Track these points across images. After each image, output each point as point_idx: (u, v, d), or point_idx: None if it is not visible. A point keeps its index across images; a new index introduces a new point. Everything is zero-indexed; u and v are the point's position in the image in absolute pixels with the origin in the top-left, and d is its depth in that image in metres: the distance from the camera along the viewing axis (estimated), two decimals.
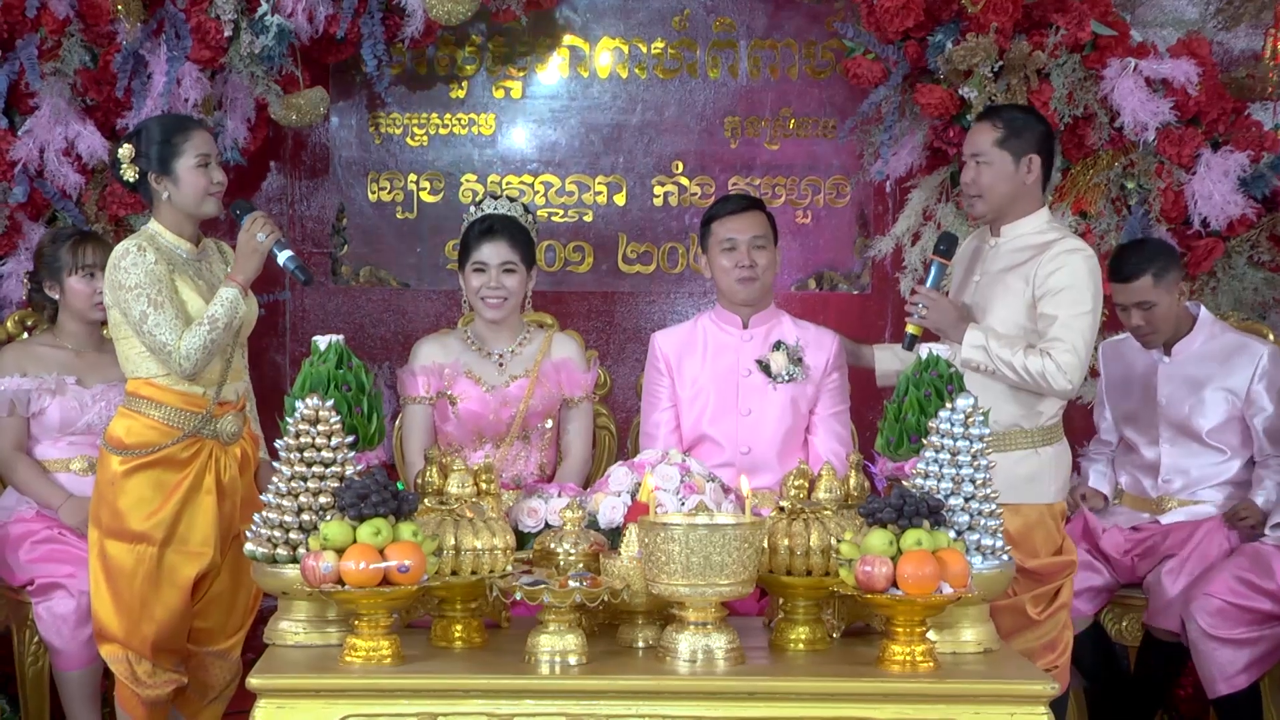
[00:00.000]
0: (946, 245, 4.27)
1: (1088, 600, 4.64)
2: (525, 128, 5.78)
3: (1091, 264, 4.13)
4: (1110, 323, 5.16)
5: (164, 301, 3.89)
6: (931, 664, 3.12)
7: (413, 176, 5.76)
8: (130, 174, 4.01)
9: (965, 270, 4.36)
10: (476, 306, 4.50)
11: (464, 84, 5.76)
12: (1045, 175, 4.24)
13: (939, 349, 3.63)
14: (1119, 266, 4.66)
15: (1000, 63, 4.99)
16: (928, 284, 4.21)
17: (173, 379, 3.96)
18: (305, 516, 3.27)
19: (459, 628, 3.31)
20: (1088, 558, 4.58)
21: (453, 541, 3.26)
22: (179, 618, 4.01)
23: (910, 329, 4.22)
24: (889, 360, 4.51)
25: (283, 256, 4.02)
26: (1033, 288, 4.11)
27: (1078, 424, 4.94)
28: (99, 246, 4.53)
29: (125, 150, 4.01)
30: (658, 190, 5.78)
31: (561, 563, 3.39)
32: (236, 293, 3.94)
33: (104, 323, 4.47)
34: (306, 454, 3.29)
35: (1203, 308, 4.78)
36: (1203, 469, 4.71)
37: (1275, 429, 4.66)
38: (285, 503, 3.29)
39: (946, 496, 3.29)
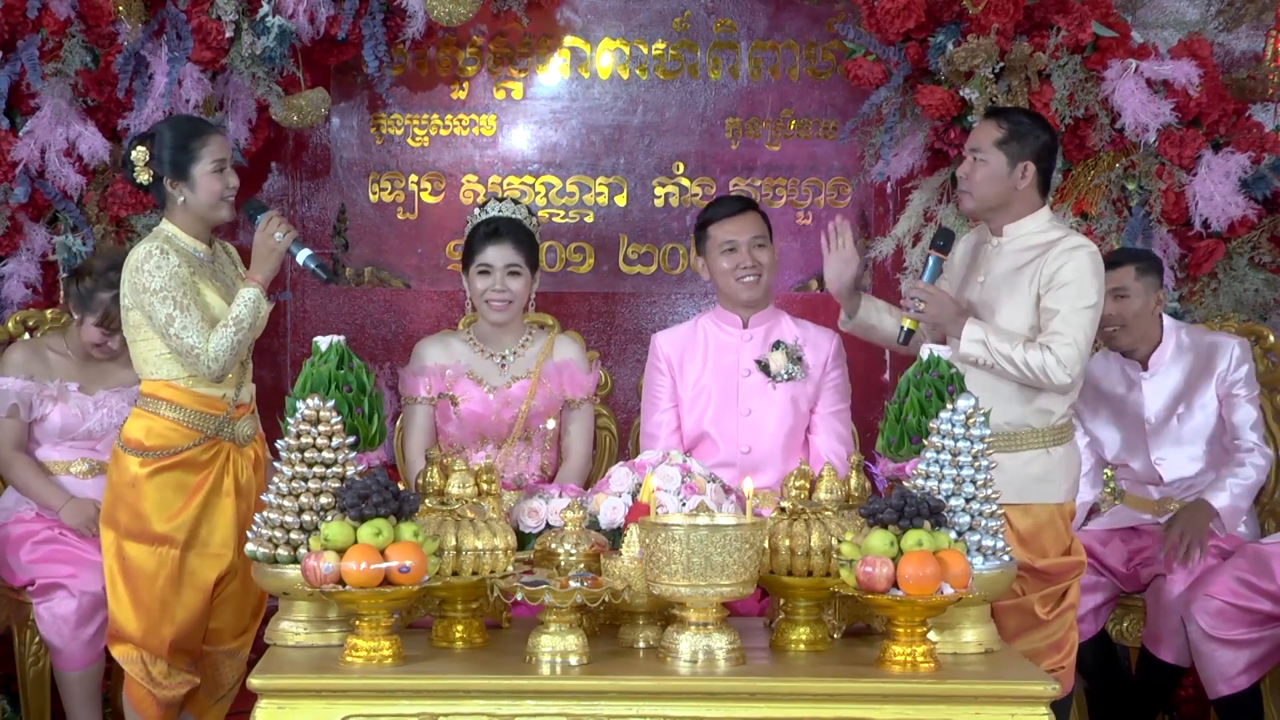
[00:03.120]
0: (944, 241, 4.26)
1: (1092, 621, 4.62)
2: (526, 129, 5.78)
3: (1095, 260, 4.13)
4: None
5: (189, 304, 3.89)
6: (932, 664, 3.13)
7: (414, 177, 5.76)
8: (144, 176, 4.00)
9: (968, 269, 4.34)
10: (481, 309, 4.50)
11: (465, 85, 5.76)
12: (1044, 183, 4.24)
13: (940, 350, 3.63)
14: (1108, 257, 4.68)
15: (1001, 64, 4.99)
16: (925, 279, 4.20)
17: (192, 381, 3.95)
18: (306, 517, 3.28)
19: (460, 628, 3.32)
20: (1090, 576, 4.54)
21: (454, 542, 3.27)
22: (198, 619, 4.01)
23: (906, 323, 4.20)
24: (870, 312, 4.34)
25: (301, 255, 4.00)
26: (1037, 286, 4.10)
27: None
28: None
29: (140, 153, 3.98)
30: (659, 191, 5.78)
31: (562, 563, 3.40)
32: (258, 292, 3.94)
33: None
34: (307, 454, 3.30)
35: (1165, 316, 4.77)
36: (1203, 467, 4.70)
37: (1253, 420, 4.64)
38: (286, 503, 3.30)
39: (947, 497, 3.29)
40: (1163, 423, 4.71)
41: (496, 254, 4.45)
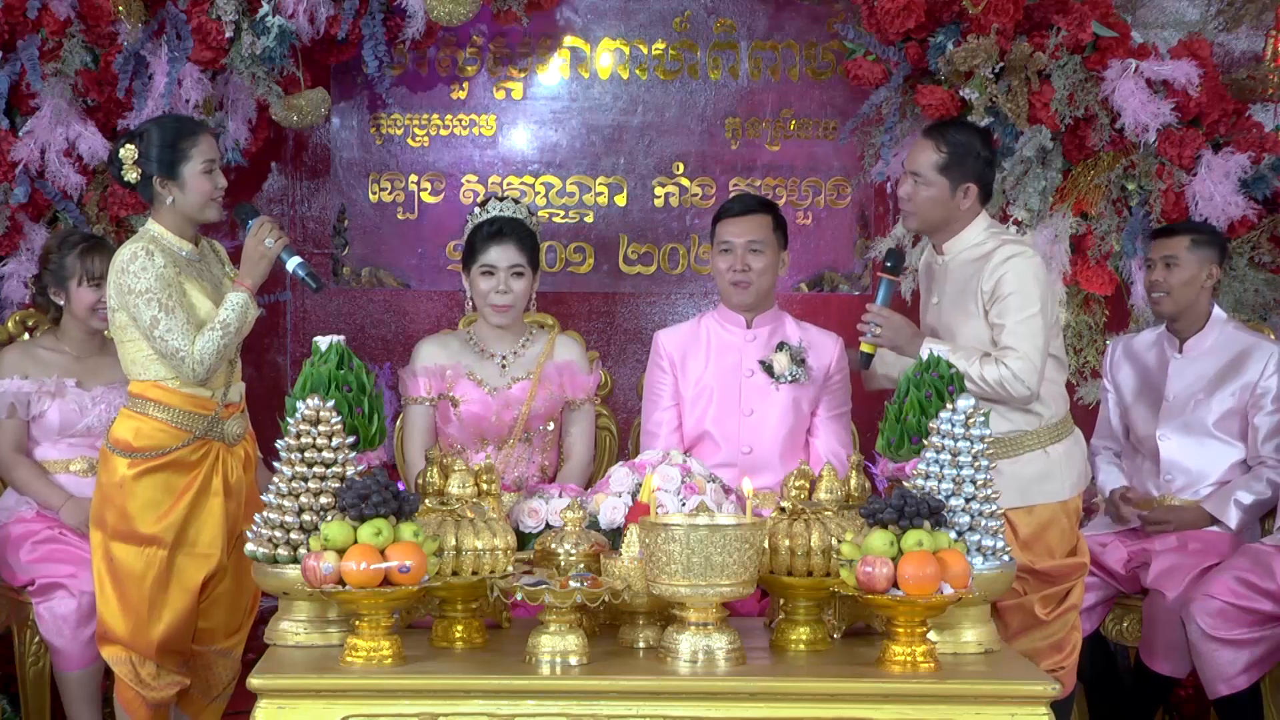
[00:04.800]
0: (893, 262, 4.28)
1: (1086, 619, 4.62)
2: (526, 129, 5.78)
3: (1034, 264, 4.13)
4: (1114, 322, 5.18)
5: (174, 306, 3.88)
6: (932, 664, 3.13)
7: (414, 177, 5.75)
8: (132, 175, 3.98)
9: (925, 290, 4.38)
10: (483, 310, 4.49)
11: (465, 85, 5.75)
12: (985, 198, 4.24)
13: (940, 350, 3.63)
14: (1166, 225, 4.84)
15: (1001, 64, 4.99)
16: (878, 302, 4.20)
17: (180, 381, 3.95)
18: (306, 517, 3.28)
19: (460, 628, 3.32)
20: (1085, 577, 4.55)
21: (454, 542, 3.27)
22: (186, 620, 4.01)
23: (864, 348, 4.21)
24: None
25: (291, 263, 4.00)
26: (981, 302, 4.11)
27: (1081, 424, 4.92)
28: (107, 255, 4.51)
29: (128, 151, 3.97)
30: (659, 191, 5.78)
31: (562, 563, 3.40)
32: (246, 297, 3.94)
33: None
34: (307, 454, 3.30)
35: (1217, 306, 4.80)
36: (1203, 464, 4.70)
37: (1275, 429, 4.66)
38: (286, 503, 3.30)
39: (947, 497, 3.29)
40: (1179, 407, 4.72)
41: (500, 254, 4.44)
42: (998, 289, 4.08)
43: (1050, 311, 4.15)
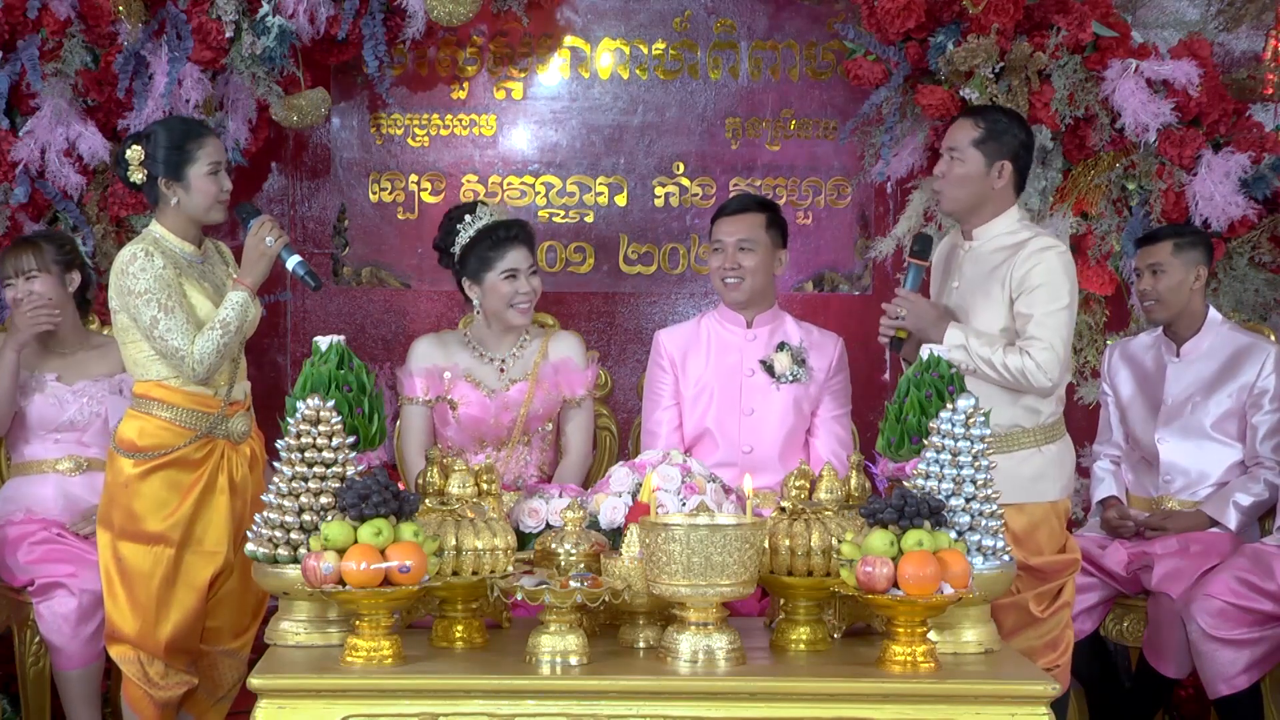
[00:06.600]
0: (921, 246, 4.28)
1: (1085, 620, 4.63)
2: (526, 129, 5.78)
3: (1065, 259, 4.14)
4: (1114, 322, 5.18)
5: (174, 306, 3.89)
6: (932, 664, 3.13)
7: (414, 177, 5.75)
8: (138, 176, 3.99)
9: (943, 274, 4.37)
10: (504, 313, 4.48)
11: (465, 85, 5.75)
12: (1020, 182, 4.24)
13: (940, 350, 3.64)
14: (1149, 233, 4.83)
15: (1001, 64, 4.99)
16: (905, 286, 4.22)
17: (183, 380, 3.96)
18: (306, 517, 3.28)
19: (460, 628, 3.32)
20: (1083, 576, 4.55)
21: (454, 542, 3.27)
22: (194, 618, 4.01)
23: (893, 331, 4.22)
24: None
25: (291, 262, 4.00)
26: (1009, 289, 4.12)
27: (1080, 424, 4.93)
28: (27, 251, 4.53)
29: (135, 152, 3.98)
30: (659, 191, 5.78)
31: (562, 563, 3.40)
32: (246, 296, 3.94)
33: (105, 323, 4.48)
34: (307, 454, 3.30)
35: (1212, 308, 4.80)
36: (1202, 465, 4.71)
37: (1274, 429, 4.66)
38: (286, 503, 3.30)
39: (947, 497, 3.29)
40: (1177, 409, 4.72)
41: (519, 256, 4.47)
42: (1028, 279, 4.08)
43: (1075, 310, 4.16)
